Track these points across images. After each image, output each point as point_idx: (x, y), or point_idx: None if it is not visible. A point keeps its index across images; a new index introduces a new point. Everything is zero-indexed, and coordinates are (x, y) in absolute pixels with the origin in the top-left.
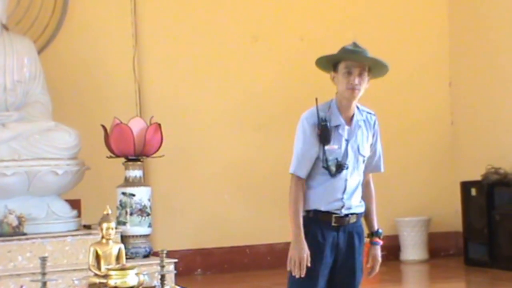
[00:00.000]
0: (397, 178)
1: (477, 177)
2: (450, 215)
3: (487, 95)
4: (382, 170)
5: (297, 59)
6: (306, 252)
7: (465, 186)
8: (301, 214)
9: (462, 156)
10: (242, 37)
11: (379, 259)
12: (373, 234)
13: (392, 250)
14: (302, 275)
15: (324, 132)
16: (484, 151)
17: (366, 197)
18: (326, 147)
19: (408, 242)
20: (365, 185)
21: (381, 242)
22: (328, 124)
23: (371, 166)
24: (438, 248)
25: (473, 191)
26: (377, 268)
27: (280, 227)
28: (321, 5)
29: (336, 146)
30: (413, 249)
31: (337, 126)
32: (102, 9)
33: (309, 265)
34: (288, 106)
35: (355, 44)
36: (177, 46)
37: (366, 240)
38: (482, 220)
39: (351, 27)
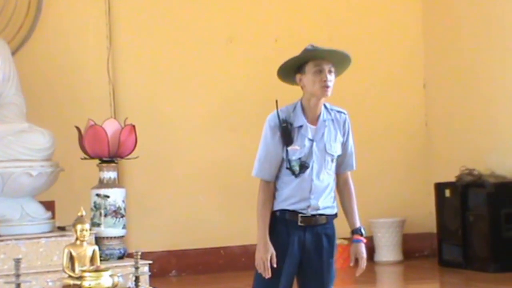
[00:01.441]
0: (371, 179)
1: (451, 178)
2: (424, 216)
3: (461, 97)
4: (355, 168)
5: (272, 60)
6: (270, 253)
7: (439, 187)
8: (267, 216)
9: (436, 157)
10: (217, 38)
11: (363, 255)
12: (353, 232)
13: (366, 251)
14: (268, 275)
15: (284, 133)
16: (458, 153)
17: (344, 195)
18: (289, 148)
19: (383, 243)
20: (343, 184)
21: (362, 239)
22: (289, 125)
23: (343, 164)
24: (412, 249)
25: (447, 192)
26: (363, 265)
27: (255, 228)
28: (296, 6)
29: (298, 147)
30: (387, 250)
31: (300, 127)
32: (77, 10)
33: (274, 265)
34: (263, 107)
35: (312, 46)
36: (151, 48)
37: (343, 241)
38: (456, 221)
39: (325, 28)
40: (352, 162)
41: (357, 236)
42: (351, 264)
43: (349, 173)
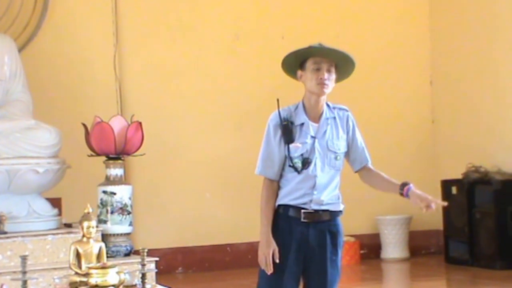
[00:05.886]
0: None
1: (457, 175)
2: (431, 214)
3: (468, 94)
4: (369, 160)
5: (279, 58)
6: (272, 248)
7: (446, 185)
8: (271, 214)
9: (443, 154)
10: (223, 35)
11: (426, 196)
12: (401, 186)
13: (373, 248)
14: (270, 271)
15: (285, 132)
16: (464, 150)
17: (377, 178)
18: (290, 146)
19: (389, 240)
20: (369, 174)
21: (410, 185)
22: (290, 123)
23: (357, 160)
24: (418, 246)
25: (454, 190)
26: (430, 200)
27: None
28: (303, 3)
29: (299, 144)
30: (394, 248)
31: (301, 125)
32: (83, 7)
33: (276, 260)
34: (269, 104)
35: (320, 44)
36: (158, 44)
37: (349, 239)
38: (462, 219)
39: (333, 26)
40: (365, 155)
41: (405, 188)
42: (424, 211)
43: (369, 165)
